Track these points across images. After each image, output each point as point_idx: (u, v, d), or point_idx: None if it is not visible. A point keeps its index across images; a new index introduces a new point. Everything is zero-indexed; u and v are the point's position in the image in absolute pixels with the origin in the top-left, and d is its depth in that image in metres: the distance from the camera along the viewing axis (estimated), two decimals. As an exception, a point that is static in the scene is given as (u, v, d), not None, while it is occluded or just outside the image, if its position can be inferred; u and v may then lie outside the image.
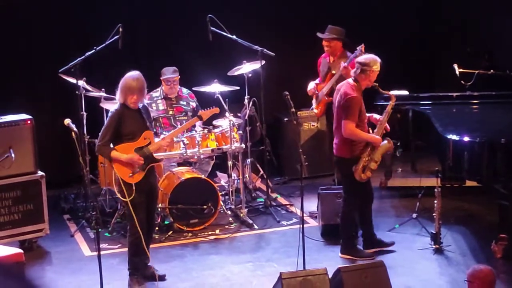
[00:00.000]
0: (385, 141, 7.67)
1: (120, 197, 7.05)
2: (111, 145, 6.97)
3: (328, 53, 9.18)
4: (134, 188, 6.90)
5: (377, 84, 7.70)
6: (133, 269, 7.13)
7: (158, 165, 8.76)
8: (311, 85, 9.27)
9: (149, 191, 7.11)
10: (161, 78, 9.23)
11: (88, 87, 8.85)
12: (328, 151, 9.35)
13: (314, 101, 9.31)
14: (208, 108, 7.92)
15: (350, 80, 7.67)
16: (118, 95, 7.03)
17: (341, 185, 8.22)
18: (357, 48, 8.54)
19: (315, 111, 9.36)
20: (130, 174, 6.92)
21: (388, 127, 7.82)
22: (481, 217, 8.88)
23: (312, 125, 10.37)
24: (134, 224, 6.92)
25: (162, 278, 7.32)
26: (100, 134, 7.00)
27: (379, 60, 7.65)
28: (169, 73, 9.19)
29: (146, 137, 7.00)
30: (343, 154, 7.68)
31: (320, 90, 9.19)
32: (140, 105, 7.10)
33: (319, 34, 9.19)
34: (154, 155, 7.09)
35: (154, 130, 8.40)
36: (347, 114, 7.50)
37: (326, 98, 9.04)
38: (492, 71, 9.73)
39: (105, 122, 7.07)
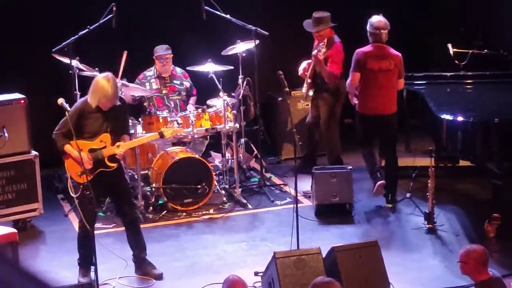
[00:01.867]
0: None
1: (70, 191, 6.89)
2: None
3: (318, 40, 9.20)
4: (81, 186, 6.70)
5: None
6: (80, 260, 7.04)
7: (151, 145, 8.79)
8: (303, 65, 9.27)
9: (107, 188, 7.05)
10: (154, 56, 9.19)
11: (82, 67, 8.82)
12: (311, 130, 9.43)
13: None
14: (171, 126, 7.81)
15: (379, 44, 8.47)
16: (89, 96, 6.82)
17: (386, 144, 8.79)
18: (320, 45, 8.87)
19: (304, 91, 9.34)
20: (79, 173, 6.72)
21: None
22: (474, 197, 8.91)
23: (306, 105, 10.35)
24: (80, 219, 6.91)
25: (159, 277, 7.09)
26: (60, 122, 6.86)
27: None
28: (162, 50, 9.16)
29: (102, 140, 6.78)
30: (395, 108, 8.53)
31: (307, 71, 9.20)
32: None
33: (307, 28, 9.16)
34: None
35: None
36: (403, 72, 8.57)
37: (309, 81, 9.10)
38: (486, 51, 9.74)
39: (67, 113, 6.77)
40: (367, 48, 8.51)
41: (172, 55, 9.19)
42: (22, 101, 8.20)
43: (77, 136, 6.62)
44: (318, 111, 9.37)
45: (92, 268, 6.75)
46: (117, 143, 6.79)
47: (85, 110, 6.79)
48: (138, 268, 7.15)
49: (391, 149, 8.72)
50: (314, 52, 8.92)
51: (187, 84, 9.37)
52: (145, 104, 9.14)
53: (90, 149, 6.77)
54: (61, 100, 7.06)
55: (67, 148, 6.75)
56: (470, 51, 9.50)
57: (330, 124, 9.32)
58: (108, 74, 6.85)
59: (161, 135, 7.45)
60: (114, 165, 6.86)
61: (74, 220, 8.50)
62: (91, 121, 6.78)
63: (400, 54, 8.49)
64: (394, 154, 8.72)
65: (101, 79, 6.77)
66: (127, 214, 7.11)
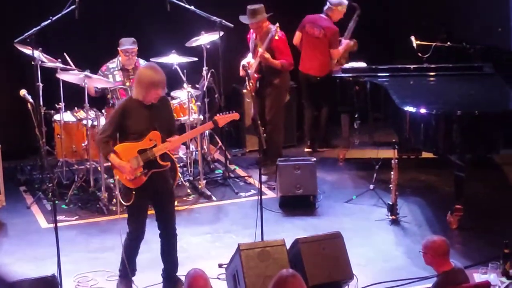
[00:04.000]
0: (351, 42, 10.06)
1: (120, 199, 6.63)
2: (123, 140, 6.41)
3: (256, 33, 9.25)
4: (133, 193, 6.37)
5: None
6: (122, 270, 6.67)
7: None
8: (244, 63, 9.20)
9: (154, 195, 6.53)
10: (118, 49, 9.09)
11: (44, 58, 8.73)
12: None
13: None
14: (226, 113, 7.03)
15: (323, 15, 9.77)
16: (135, 89, 6.35)
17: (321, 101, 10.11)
18: (272, 28, 9.00)
19: (248, 87, 9.23)
20: (131, 178, 6.37)
21: None
22: (437, 188, 8.99)
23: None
24: (131, 230, 6.58)
25: None
26: (102, 125, 6.62)
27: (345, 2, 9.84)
28: (128, 43, 9.06)
29: (152, 139, 6.29)
30: (326, 71, 9.77)
31: (251, 67, 9.18)
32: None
33: (243, 20, 9.22)
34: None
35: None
36: (336, 44, 9.82)
37: (256, 76, 9.16)
38: (449, 43, 9.81)
39: (110, 114, 6.40)
40: (311, 15, 9.87)
41: (137, 48, 9.10)
42: (-16, 93, 8.11)
43: (122, 139, 6.34)
44: (262, 104, 9.36)
45: (133, 280, 6.60)
46: (168, 139, 6.38)
47: (127, 107, 6.30)
48: (167, 285, 6.79)
49: (320, 107, 10.12)
50: (260, 51, 9.05)
51: (151, 75, 9.28)
52: (108, 96, 9.04)
53: (140, 150, 6.30)
54: (23, 92, 7.00)
55: (111, 157, 6.30)
56: (433, 43, 9.57)
57: (277, 116, 9.37)
58: (150, 62, 6.61)
59: (216, 124, 6.77)
60: (167, 163, 6.46)
61: (37, 213, 8.44)
62: (136, 119, 6.29)
63: (334, 28, 9.72)
64: (323, 111, 10.11)
65: (145, 68, 6.46)
66: (170, 228, 6.71)
